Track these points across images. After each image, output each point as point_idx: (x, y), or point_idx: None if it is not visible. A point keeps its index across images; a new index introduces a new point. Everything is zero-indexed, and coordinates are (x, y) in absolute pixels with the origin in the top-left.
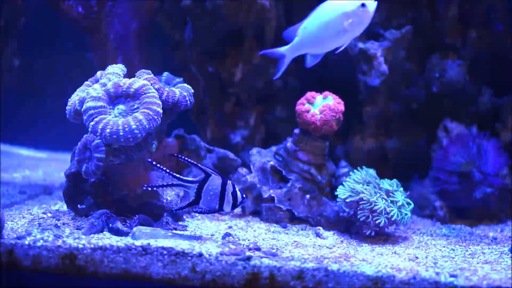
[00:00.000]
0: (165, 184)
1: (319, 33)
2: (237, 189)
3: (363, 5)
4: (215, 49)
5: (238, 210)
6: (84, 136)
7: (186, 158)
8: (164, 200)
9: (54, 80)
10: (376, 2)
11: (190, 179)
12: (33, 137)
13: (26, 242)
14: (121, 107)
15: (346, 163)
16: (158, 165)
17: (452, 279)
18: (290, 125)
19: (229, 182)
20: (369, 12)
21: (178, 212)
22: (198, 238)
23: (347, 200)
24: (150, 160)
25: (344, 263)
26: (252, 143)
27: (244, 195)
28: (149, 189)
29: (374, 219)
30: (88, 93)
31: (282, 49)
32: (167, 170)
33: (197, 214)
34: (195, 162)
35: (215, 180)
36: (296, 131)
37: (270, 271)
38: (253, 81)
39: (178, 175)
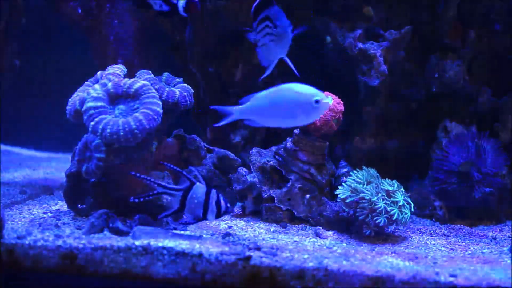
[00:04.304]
0: (150, 193)
1: (268, 108)
2: (221, 198)
3: (317, 101)
4: (215, 49)
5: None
6: (85, 136)
7: (170, 165)
8: (164, 200)
9: (54, 80)
10: (330, 102)
11: (175, 186)
12: (33, 137)
13: (27, 242)
14: (122, 107)
15: (346, 163)
16: (141, 176)
17: (452, 278)
18: None
19: (213, 191)
20: (322, 109)
21: (169, 217)
22: (198, 238)
23: (347, 200)
24: (133, 172)
25: (344, 263)
26: (252, 143)
27: (228, 204)
28: (136, 200)
29: (374, 218)
30: (89, 93)
31: (233, 108)
32: (151, 179)
33: None
34: (180, 170)
35: (199, 189)
36: (296, 131)
37: (270, 271)
38: (253, 81)
39: (163, 183)
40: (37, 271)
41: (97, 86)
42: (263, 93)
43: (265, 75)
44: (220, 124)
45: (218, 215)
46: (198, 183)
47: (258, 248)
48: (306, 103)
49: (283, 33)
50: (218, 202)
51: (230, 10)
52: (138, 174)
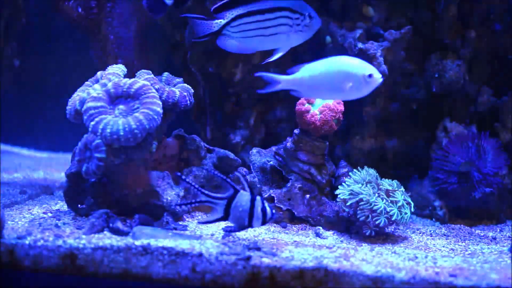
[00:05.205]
0: (193, 201)
1: (318, 80)
2: (266, 204)
3: (370, 75)
4: (215, 49)
5: None
6: (85, 136)
7: (221, 175)
8: (164, 200)
9: (54, 80)
10: (382, 79)
11: (218, 195)
12: (33, 137)
13: (27, 242)
14: (122, 107)
15: (346, 163)
16: (187, 180)
17: (451, 278)
18: (290, 125)
19: (258, 197)
20: (372, 85)
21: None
22: (198, 238)
23: (347, 203)
24: (179, 174)
25: (344, 263)
26: (252, 143)
27: (274, 211)
28: (183, 207)
29: (374, 219)
30: (89, 93)
31: (280, 77)
32: (196, 186)
33: (199, 216)
34: (226, 178)
35: (244, 196)
36: (296, 131)
37: (270, 271)
38: (253, 81)
39: (206, 192)
40: (37, 271)
41: (97, 86)
42: (314, 63)
43: (274, 58)
44: (264, 91)
45: (264, 222)
46: (242, 191)
47: (258, 248)
48: (359, 76)
49: (315, 25)
50: (263, 209)
51: None
52: (187, 180)
